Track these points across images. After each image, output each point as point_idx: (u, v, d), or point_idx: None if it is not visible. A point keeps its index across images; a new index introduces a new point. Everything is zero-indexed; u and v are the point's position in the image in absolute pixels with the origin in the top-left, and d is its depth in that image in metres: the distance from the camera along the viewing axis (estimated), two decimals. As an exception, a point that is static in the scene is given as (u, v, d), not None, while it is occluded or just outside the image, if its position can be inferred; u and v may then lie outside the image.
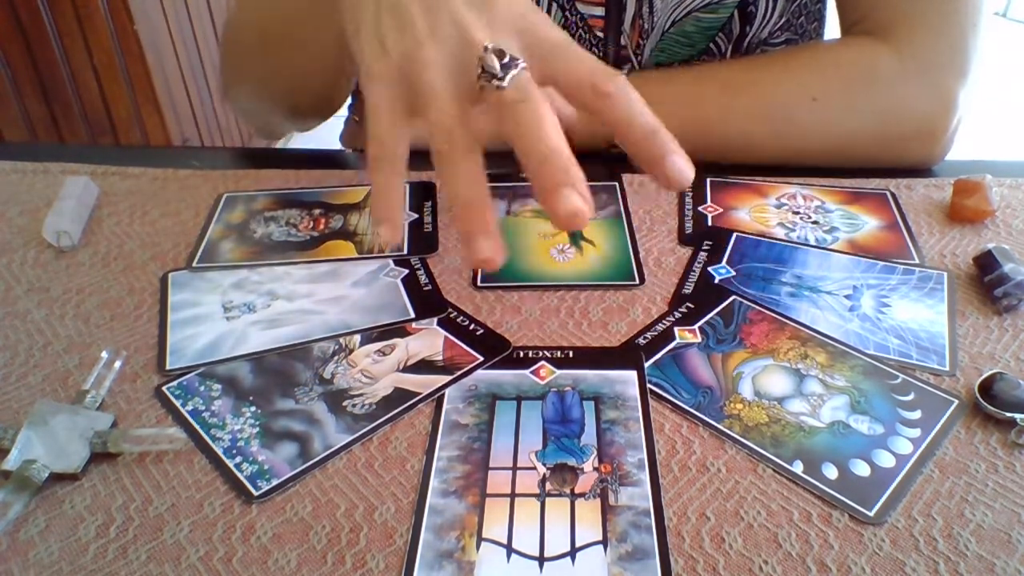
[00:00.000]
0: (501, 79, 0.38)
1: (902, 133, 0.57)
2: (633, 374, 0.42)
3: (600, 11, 0.63)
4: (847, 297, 0.47)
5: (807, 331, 0.45)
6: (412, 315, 0.46)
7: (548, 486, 0.36)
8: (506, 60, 0.39)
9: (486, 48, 0.39)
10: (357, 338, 0.44)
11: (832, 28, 0.66)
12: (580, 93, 0.40)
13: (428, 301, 0.47)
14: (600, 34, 0.64)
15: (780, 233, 0.53)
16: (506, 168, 0.60)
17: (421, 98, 0.40)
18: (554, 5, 0.63)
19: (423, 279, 0.49)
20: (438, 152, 0.40)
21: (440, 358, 0.43)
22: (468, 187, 0.39)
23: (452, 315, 0.46)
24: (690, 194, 0.57)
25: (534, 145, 0.39)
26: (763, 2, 0.63)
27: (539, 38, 0.41)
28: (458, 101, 0.39)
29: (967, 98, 0.56)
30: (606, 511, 0.35)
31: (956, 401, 0.40)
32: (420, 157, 0.62)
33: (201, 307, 0.47)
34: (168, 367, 0.43)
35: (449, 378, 0.42)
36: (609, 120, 0.40)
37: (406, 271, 0.50)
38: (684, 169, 0.39)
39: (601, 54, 0.65)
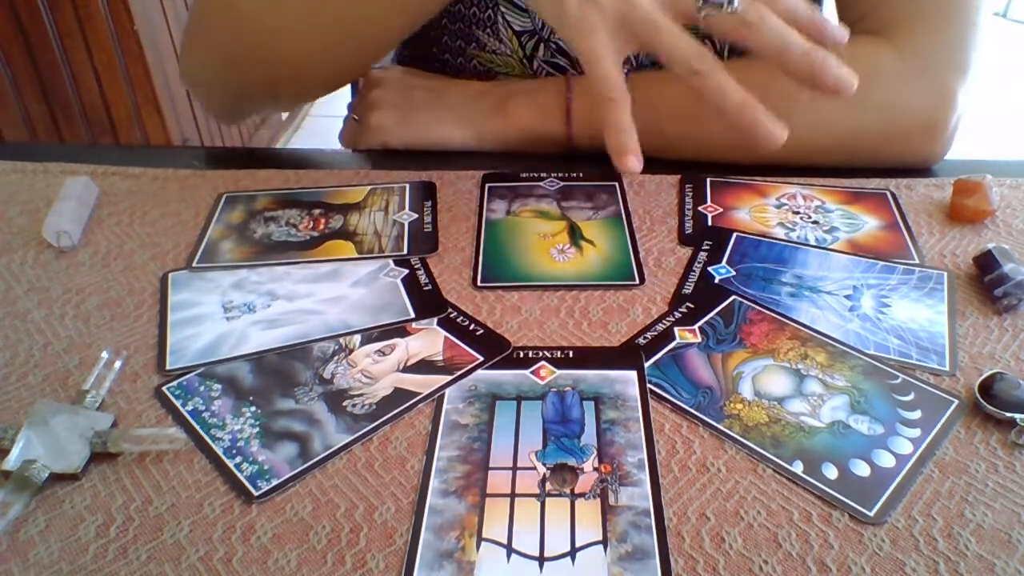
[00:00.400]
0: (731, 3, 0.43)
1: (902, 130, 0.57)
2: (633, 374, 0.42)
3: None
4: (847, 297, 0.47)
5: (807, 331, 0.45)
6: (412, 315, 0.46)
7: (548, 486, 0.36)
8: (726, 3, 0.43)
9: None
10: (357, 338, 0.44)
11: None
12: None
13: (428, 301, 0.47)
14: None
15: (780, 233, 0.53)
16: (506, 168, 0.60)
17: (648, 31, 0.44)
18: None
19: (423, 279, 0.49)
20: (697, 73, 0.44)
21: (440, 358, 0.43)
22: (736, 90, 0.45)
23: (452, 315, 0.46)
24: (690, 194, 0.57)
25: (793, 48, 0.44)
26: None
27: None
28: (681, 26, 0.43)
29: (966, 96, 0.56)
30: (606, 511, 0.35)
31: (956, 401, 0.40)
32: (419, 157, 0.62)
33: (201, 307, 0.47)
34: (168, 367, 0.43)
35: (449, 378, 0.42)
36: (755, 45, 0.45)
37: (406, 271, 0.50)
38: (776, 133, 0.45)
39: None
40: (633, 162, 0.46)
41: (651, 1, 0.44)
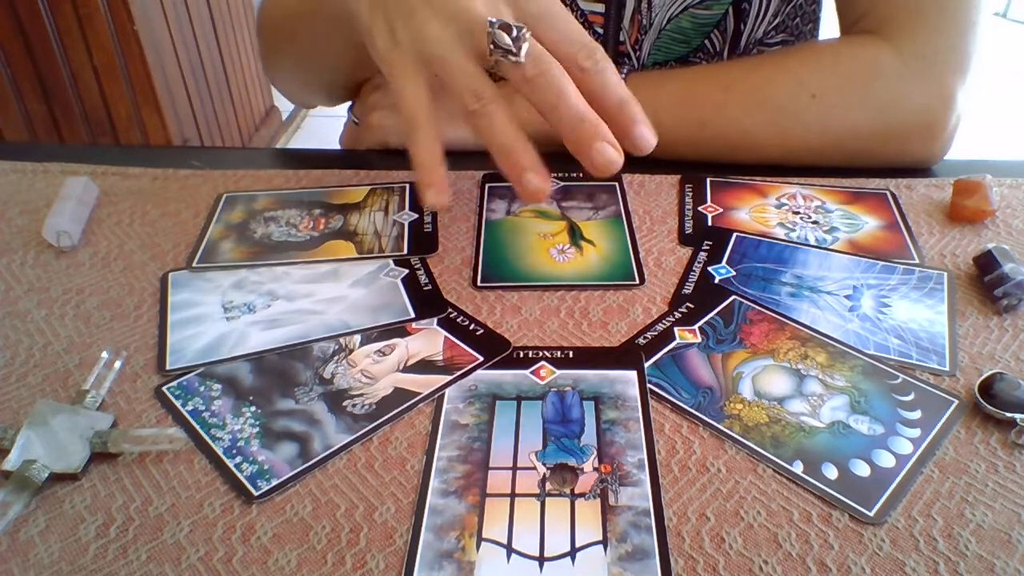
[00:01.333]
0: (516, 54, 0.41)
1: (902, 129, 0.57)
2: (633, 374, 0.42)
3: (600, 7, 0.63)
4: (847, 297, 0.47)
5: (807, 331, 0.45)
6: (412, 315, 0.46)
7: (548, 486, 0.36)
8: (515, 34, 0.41)
9: (492, 23, 0.41)
10: (357, 338, 0.44)
11: (827, 32, 0.66)
12: (566, 64, 0.42)
13: (428, 301, 0.47)
14: (600, 30, 0.64)
15: (780, 233, 0.53)
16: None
17: (440, 70, 0.43)
18: None
19: (423, 279, 0.49)
20: (471, 113, 0.43)
21: (440, 358, 0.43)
22: (504, 134, 0.43)
23: (452, 315, 0.46)
24: (690, 194, 0.57)
25: (565, 112, 0.42)
26: (757, 0, 0.63)
27: (528, 6, 0.43)
28: (475, 63, 0.42)
29: (966, 96, 0.56)
30: (606, 511, 0.35)
31: (956, 401, 0.40)
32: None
33: (201, 307, 0.47)
34: (168, 367, 0.43)
35: (449, 378, 0.42)
36: (584, 91, 0.42)
37: (406, 271, 0.50)
38: (649, 137, 0.44)
39: None
40: (432, 197, 0.44)
41: (446, 38, 0.42)
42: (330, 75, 0.67)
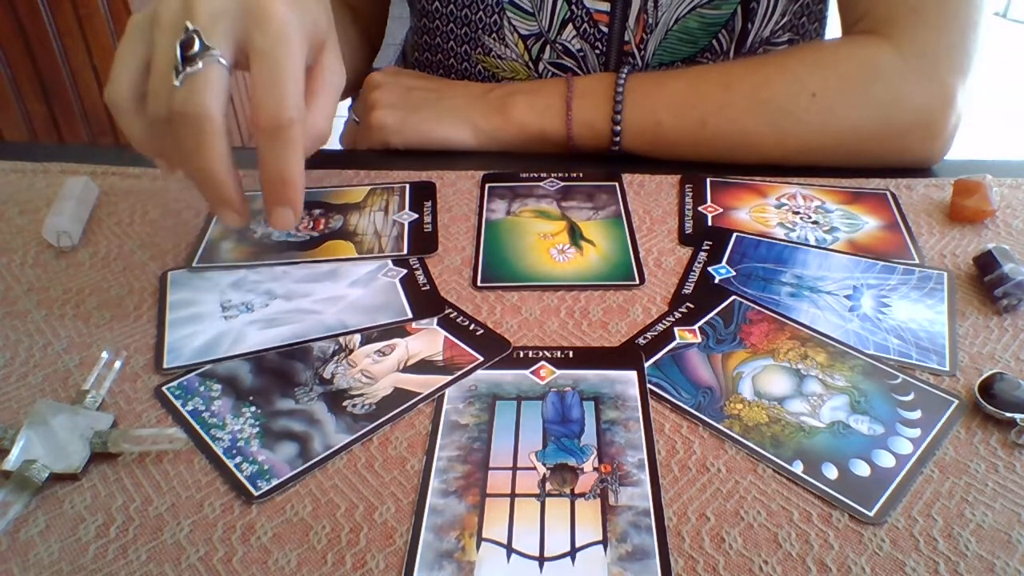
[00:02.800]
0: (177, 73, 0.39)
1: (902, 128, 0.57)
2: (633, 374, 0.42)
3: (606, 6, 0.63)
4: (847, 297, 0.47)
5: (807, 331, 0.45)
6: (410, 315, 0.46)
7: (548, 486, 0.36)
8: (193, 50, 0.39)
9: (187, 28, 0.40)
10: (357, 338, 0.44)
11: (833, 31, 0.66)
12: (254, 112, 0.41)
13: (426, 301, 0.47)
14: (604, 29, 0.64)
15: (780, 233, 0.53)
16: (506, 168, 0.60)
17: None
18: None
19: (421, 279, 0.49)
20: (154, 119, 0.41)
21: (440, 358, 0.43)
22: (191, 159, 0.41)
23: (452, 315, 0.46)
24: (690, 194, 0.57)
25: (188, 163, 0.42)
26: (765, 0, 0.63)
27: (258, 37, 0.41)
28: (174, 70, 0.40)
29: (966, 95, 0.56)
30: (606, 511, 0.35)
31: (956, 401, 0.40)
32: (419, 157, 0.62)
33: (199, 306, 0.47)
34: (165, 365, 0.43)
35: (449, 378, 0.42)
36: (258, 148, 0.42)
37: (404, 271, 0.50)
38: (287, 222, 0.44)
39: (605, 49, 0.65)
40: (231, 218, 0.44)
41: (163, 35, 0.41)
42: None
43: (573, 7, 0.63)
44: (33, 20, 1.66)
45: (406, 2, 0.77)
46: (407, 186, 0.58)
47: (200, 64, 0.39)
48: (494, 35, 0.66)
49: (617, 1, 0.62)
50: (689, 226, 0.54)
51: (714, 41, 0.65)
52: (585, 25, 0.64)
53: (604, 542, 0.33)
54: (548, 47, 0.66)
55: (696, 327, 0.45)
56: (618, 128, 0.59)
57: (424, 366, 0.43)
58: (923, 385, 0.41)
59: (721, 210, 0.55)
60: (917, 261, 0.50)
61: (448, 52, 0.69)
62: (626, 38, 0.64)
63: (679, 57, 0.66)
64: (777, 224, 0.54)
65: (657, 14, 0.63)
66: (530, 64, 0.67)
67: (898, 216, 0.55)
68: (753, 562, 0.33)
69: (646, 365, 0.42)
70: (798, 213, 0.55)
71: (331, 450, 0.38)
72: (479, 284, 0.49)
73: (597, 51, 0.65)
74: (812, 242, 0.52)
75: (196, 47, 0.39)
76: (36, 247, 0.52)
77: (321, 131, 0.46)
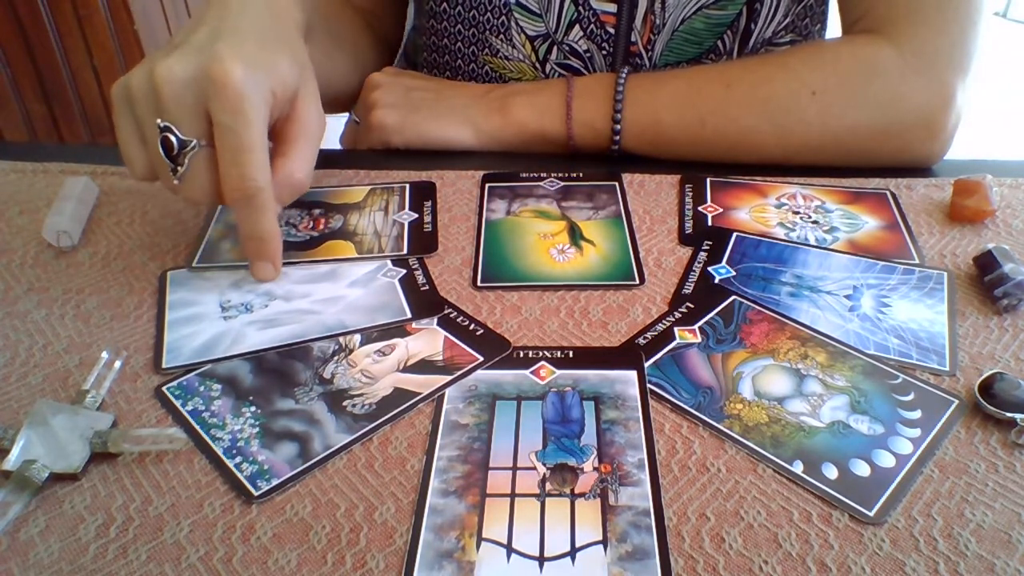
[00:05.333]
0: (175, 172, 0.44)
1: (902, 128, 0.57)
2: (633, 374, 0.42)
3: (612, 7, 0.63)
4: (847, 297, 0.47)
5: (807, 331, 0.45)
6: (409, 315, 0.46)
7: (548, 486, 0.36)
8: (175, 151, 0.43)
9: (160, 127, 0.43)
10: (357, 338, 0.44)
11: (834, 31, 0.66)
12: (224, 180, 0.44)
13: (425, 301, 0.47)
14: (611, 30, 0.64)
15: (780, 233, 0.53)
16: (506, 168, 0.60)
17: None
18: (567, 0, 0.63)
19: (420, 279, 0.49)
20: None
21: (440, 358, 0.43)
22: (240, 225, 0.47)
23: (452, 315, 0.46)
24: (690, 194, 0.57)
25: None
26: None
27: (220, 113, 0.43)
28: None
29: (966, 94, 0.56)
30: (606, 511, 0.35)
31: (956, 401, 0.40)
32: (419, 157, 0.62)
33: (199, 306, 0.47)
34: (164, 365, 0.43)
35: (449, 378, 0.42)
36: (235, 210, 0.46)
37: (404, 271, 0.50)
38: (268, 274, 0.48)
39: (612, 50, 0.65)
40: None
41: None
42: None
43: (580, 8, 0.63)
44: (33, 20, 1.66)
45: (412, 3, 0.78)
46: (407, 186, 0.58)
47: (186, 162, 0.44)
48: (501, 36, 0.66)
49: (624, 2, 0.63)
50: (689, 226, 0.54)
51: (719, 42, 0.65)
52: (592, 26, 0.64)
53: (604, 542, 0.33)
54: (555, 48, 0.66)
55: (696, 327, 0.45)
56: (618, 127, 0.59)
57: (424, 366, 0.43)
58: (923, 385, 0.41)
59: (721, 210, 0.55)
60: (917, 261, 0.50)
61: (455, 53, 0.70)
62: (633, 39, 0.64)
63: (685, 58, 0.66)
64: (777, 224, 0.54)
65: (664, 15, 0.63)
66: (537, 65, 0.67)
67: (898, 216, 0.55)
68: (753, 562, 0.33)
69: (646, 365, 0.42)
70: (798, 213, 0.55)
71: (331, 450, 0.38)
72: (479, 284, 0.49)
73: (604, 52, 0.65)
74: (812, 242, 0.52)
75: (175, 146, 0.43)
76: (36, 247, 0.52)
77: (298, 181, 0.47)
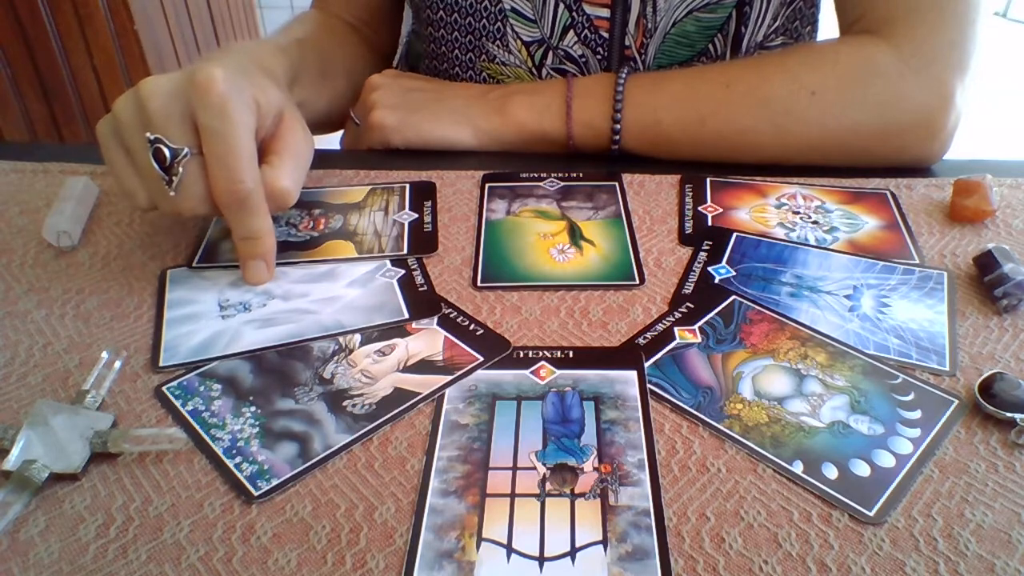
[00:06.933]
0: (169, 183, 0.44)
1: (901, 128, 0.57)
2: (633, 374, 0.42)
3: (606, 12, 0.63)
4: (847, 297, 0.47)
5: (807, 331, 0.45)
6: (407, 316, 0.46)
7: (548, 486, 0.36)
8: (167, 161, 0.44)
9: (149, 141, 0.44)
10: (357, 338, 0.44)
11: (826, 34, 0.66)
12: (213, 183, 0.45)
13: (423, 302, 0.47)
14: (605, 35, 0.64)
15: (780, 233, 0.53)
16: (506, 168, 0.60)
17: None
18: (561, 5, 0.63)
19: (419, 279, 0.49)
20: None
21: (440, 358, 0.43)
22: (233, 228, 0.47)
23: (452, 315, 0.46)
24: (690, 194, 0.57)
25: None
26: (757, 2, 0.63)
27: (206, 117, 0.43)
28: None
29: (965, 94, 0.56)
30: (606, 511, 0.35)
31: (956, 401, 0.40)
32: (419, 157, 0.62)
33: (197, 305, 0.47)
34: (161, 364, 0.43)
35: (449, 378, 0.42)
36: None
37: (402, 271, 0.50)
38: (261, 275, 0.48)
39: (606, 55, 0.65)
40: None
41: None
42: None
43: (574, 13, 0.63)
44: (33, 20, 1.66)
45: (411, 9, 0.78)
46: (407, 186, 0.58)
47: (180, 170, 0.44)
48: (497, 42, 0.66)
49: (617, 7, 0.63)
50: (689, 226, 0.54)
51: (710, 45, 0.65)
52: (586, 31, 0.64)
53: (604, 542, 0.33)
54: (550, 53, 0.66)
55: (696, 327, 0.45)
56: (618, 127, 0.59)
57: (424, 366, 0.43)
58: (923, 385, 0.41)
59: (721, 210, 0.55)
60: (917, 261, 0.50)
61: (454, 60, 0.70)
62: (626, 43, 0.64)
63: (677, 60, 0.66)
64: (777, 224, 0.54)
65: (656, 18, 0.63)
66: (533, 70, 0.67)
67: (898, 216, 0.55)
68: (753, 562, 0.33)
69: (646, 365, 0.42)
70: (798, 213, 0.55)
71: (331, 450, 0.38)
72: (479, 284, 0.49)
73: (599, 56, 0.65)
74: (812, 242, 0.52)
75: (167, 156, 0.44)
76: (36, 247, 0.52)
77: (284, 188, 0.47)
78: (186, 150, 0.44)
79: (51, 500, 0.36)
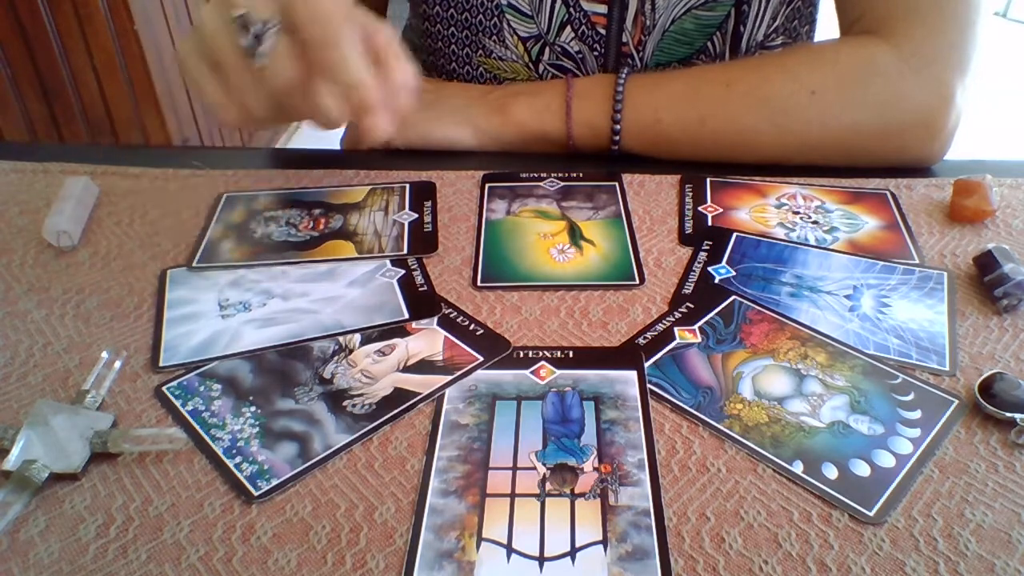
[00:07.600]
0: (253, 56, 0.43)
1: (901, 127, 0.57)
2: (633, 374, 0.42)
3: (603, 8, 0.63)
4: (847, 297, 0.47)
5: (807, 331, 0.45)
6: (406, 316, 0.46)
7: (548, 486, 0.36)
8: (255, 30, 0.42)
9: (234, 18, 0.42)
10: (357, 338, 0.44)
11: (824, 34, 0.66)
12: (310, 49, 0.43)
13: (423, 302, 0.47)
14: (603, 31, 0.64)
15: (780, 233, 0.53)
16: (506, 168, 0.60)
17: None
18: (558, 1, 0.63)
19: (419, 279, 0.49)
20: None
21: (440, 358, 0.43)
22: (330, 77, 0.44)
23: (452, 315, 0.46)
24: (690, 194, 0.57)
25: (297, 110, 0.46)
26: (756, 1, 0.63)
27: (297, 6, 0.42)
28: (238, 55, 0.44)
29: (965, 94, 0.56)
30: (606, 511, 0.35)
31: (956, 401, 0.40)
32: (419, 157, 0.62)
33: (197, 305, 0.47)
34: (161, 364, 0.43)
35: (449, 378, 0.42)
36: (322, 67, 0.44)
37: (402, 272, 0.50)
38: (383, 129, 0.45)
39: (603, 51, 0.65)
40: (383, 122, 0.45)
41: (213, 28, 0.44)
42: None
43: (571, 9, 0.63)
44: (33, 20, 1.66)
45: (408, 3, 0.78)
46: (407, 186, 0.58)
47: (267, 41, 0.42)
48: (494, 37, 0.66)
49: (614, 3, 0.63)
50: (689, 226, 0.54)
51: (709, 43, 0.65)
52: (583, 27, 0.64)
53: (604, 542, 0.33)
54: (547, 49, 0.66)
55: (696, 327, 0.45)
56: (618, 127, 0.59)
57: (424, 366, 0.43)
58: (923, 385, 0.41)
59: (721, 210, 0.55)
60: (917, 261, 0.50)
61: (451, 56, 0.70)
62: (624, 40, 0.64)
63: (675, 58, 0.66)
64: (777, 224, 0.54)
65: (654, 16, 0.63)
66: (530, 65, 0.67)
67: (898, 216, 0.55)
68: (753, 562, 0.33)
69: (646, 365, 0.42)
70: (798, 213, 0.55)
71: (331, 450, 0.38)
72: (479, 284, 0.49)
73: (595, 53, 0.65)
74: (812, 242, 0.52)
75: (254, 27, 0.42)
76: (36, 247, 0.52)
77: (404, 78, 0.45)
78: (275, 20, 0.42)
79: (51, 500, 0.36)
